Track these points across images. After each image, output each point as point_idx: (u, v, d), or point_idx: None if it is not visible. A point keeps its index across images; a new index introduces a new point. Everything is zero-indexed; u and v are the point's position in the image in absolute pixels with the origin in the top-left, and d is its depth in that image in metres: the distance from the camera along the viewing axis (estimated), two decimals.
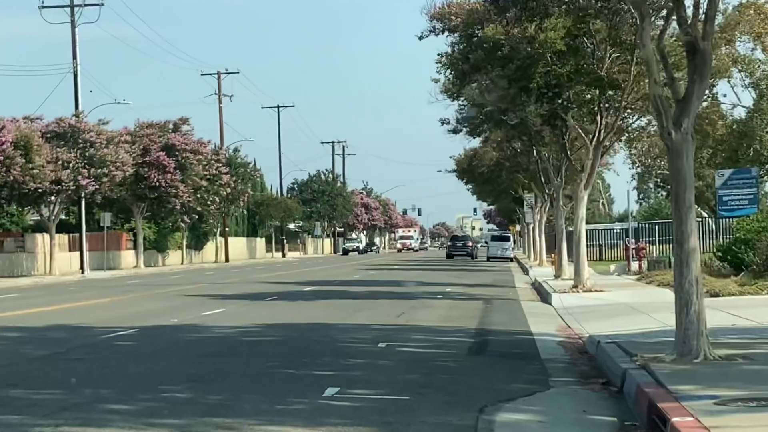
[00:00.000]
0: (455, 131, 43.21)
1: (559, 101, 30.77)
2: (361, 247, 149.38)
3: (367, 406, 11.83)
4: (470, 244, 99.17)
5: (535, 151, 47.42)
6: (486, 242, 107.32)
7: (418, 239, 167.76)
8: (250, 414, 11.30)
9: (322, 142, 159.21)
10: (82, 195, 59.66)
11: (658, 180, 64.74)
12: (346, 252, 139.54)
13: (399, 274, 56.39)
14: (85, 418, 11.15)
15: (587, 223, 38.38)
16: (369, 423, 10.75)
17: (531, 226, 76.62)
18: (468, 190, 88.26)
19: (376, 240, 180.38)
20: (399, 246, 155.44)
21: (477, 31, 28.98)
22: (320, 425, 10.62)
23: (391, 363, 15.92)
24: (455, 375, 14.62)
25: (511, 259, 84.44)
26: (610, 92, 31.12)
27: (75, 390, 13.19)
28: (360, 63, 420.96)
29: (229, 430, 10.50)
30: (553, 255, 53.27)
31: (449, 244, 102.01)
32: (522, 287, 40.33)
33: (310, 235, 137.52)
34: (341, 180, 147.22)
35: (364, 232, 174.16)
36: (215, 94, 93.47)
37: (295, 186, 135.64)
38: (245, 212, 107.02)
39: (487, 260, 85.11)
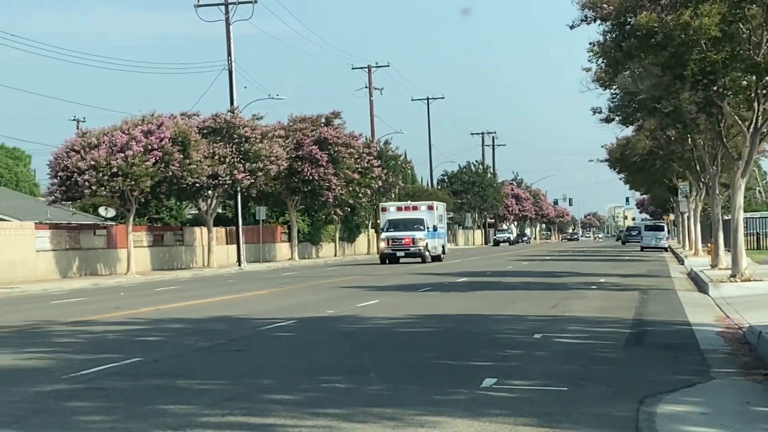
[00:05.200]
0: (607, 120, 42.64)
1: (714, 88, 30.21)
2: (511, 238, 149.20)
3: (526, 397, 11.85)
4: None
5: (689, 139, 46.62)
6: (627, 232, 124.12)
7: (432, 228, 66.96)
8: (409, 404, 11.38)
9: (472, 134, 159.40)
10: (238, 189, 60.86)
11: None
12: (496, 243, 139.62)
13: (552, 264, 56.13)
14: (249, 408, 11.36)
15: (744, 211, 37.61)
16: (528, 414, 10.75)
17: (686, 215, 75.34)
18: (620, 179, 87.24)
19: (527, 231, 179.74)
20: (383, 245, 65.65)
21: (629, 19, 28.66)
22: (480, 415, 10.65)
23: (547, 354, 15.91)
24: (613, 366, 14.53)
25: (666, 249, 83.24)
26: (767, 78, 30.44)
27: (238, 380, 13.48)
28: (510, 53, 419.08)
29: (389, 419, 10.57)
30: (708, 245, 52.35)
31: (626, 233, 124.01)
32: (677, 277, 39.78)
33: (460, 227, 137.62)
34: (491, 171, 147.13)
35: (515, 222, 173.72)
36: (366, 87, 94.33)
37: (446, 177, 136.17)
38: None
39: (641, 250, 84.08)
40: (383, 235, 66.21)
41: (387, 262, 63.71)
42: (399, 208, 68.87)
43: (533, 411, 10.90)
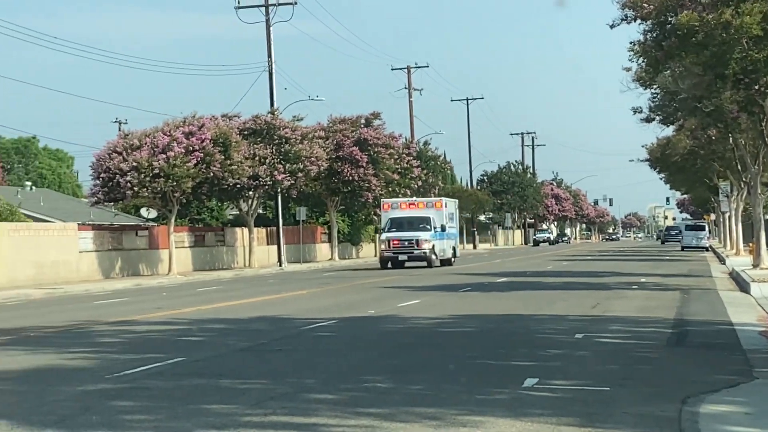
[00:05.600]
0: (648, 120, 42.54)
1: (756, 87, 30.10)
2: (551, 238, 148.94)
3: (568, 397, 11.87)
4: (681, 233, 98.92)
5: (730, 139, 46.41)
6: (666, 232, 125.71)
7: (440, 228, 58.44)
8: (451, 404, 11.42)
9: (512, 134, 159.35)
10: (279, 190, 61.02)
11: None
12: (536, 243, 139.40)
13: (592, 264, 55.96)
14: (291, 407, 11.41)
15: None
16: (570, 413, 10.76)
17: (726, 214, 74.99)
18: (660, 179, 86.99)
19: (567, 231, 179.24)
20: (384, 247, 58.11)
21: (670, 18, 28.61)
22: (522, 415, 10.67)
23: (588, 354, 15.90)
24: (655, 366, 14.52)
25: (707, 249, 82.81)
26: None
27: (280, 380, 13.55)
28: (549, 53, 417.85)
29: (431, 419, 10.59)
30: (750, 244, 52.04)
31: (665, 233, 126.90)
32: (719, 277, 39.58)
33: (500, 227, 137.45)
34: (531, 171, 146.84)
35: (555, 222, 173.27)
36: (405, 88, 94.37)
37: (485, 178, 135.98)
38: None
39: (682, 250, 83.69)
40: (384, 235, 58.29)
41: (389, 266, 55.79)
42: (403, 205, 60.73)
43: (576, 411, 10.90)
